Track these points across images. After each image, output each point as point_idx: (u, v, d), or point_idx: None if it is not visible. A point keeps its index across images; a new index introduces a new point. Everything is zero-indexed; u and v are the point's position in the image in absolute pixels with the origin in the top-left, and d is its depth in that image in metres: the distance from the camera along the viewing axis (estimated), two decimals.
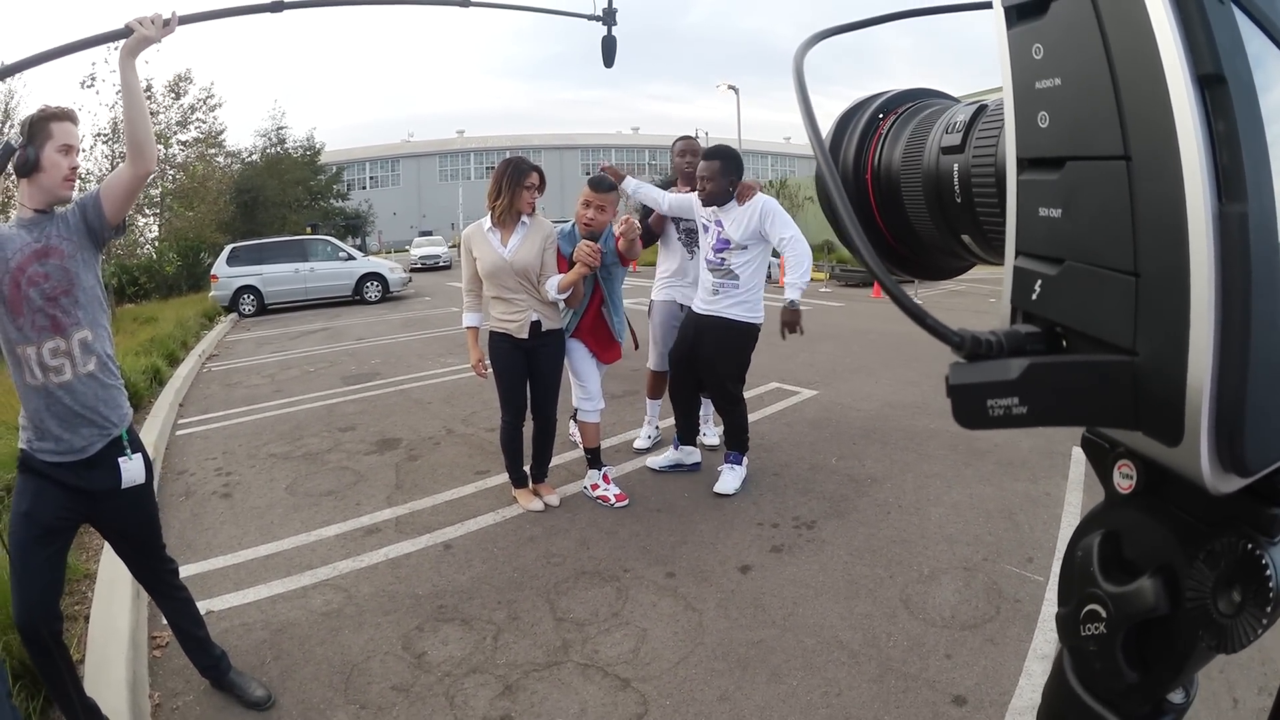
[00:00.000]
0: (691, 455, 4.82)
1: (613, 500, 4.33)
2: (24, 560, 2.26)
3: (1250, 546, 0.36)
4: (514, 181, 3.92)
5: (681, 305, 4.73)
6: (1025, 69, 0.37)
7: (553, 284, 3.99)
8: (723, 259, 4.22)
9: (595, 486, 4.43)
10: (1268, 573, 0.35)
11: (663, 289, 4.87)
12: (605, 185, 4.15)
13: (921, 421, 5.71)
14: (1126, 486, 0.42)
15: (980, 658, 2.78)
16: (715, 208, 4.19)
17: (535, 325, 4.03)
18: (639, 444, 5.28)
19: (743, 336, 4.30)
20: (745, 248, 4.16)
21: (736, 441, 4.50)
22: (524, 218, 3.99)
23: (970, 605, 3.14)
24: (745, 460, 4.57)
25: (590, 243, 3.98)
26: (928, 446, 5.14)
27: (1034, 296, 0.38)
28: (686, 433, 4.78)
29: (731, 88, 32.09)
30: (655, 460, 4.91)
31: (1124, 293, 0.33)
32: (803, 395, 6.68)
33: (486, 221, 4.01)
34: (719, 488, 4.42)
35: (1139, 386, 0.34)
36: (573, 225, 4.25)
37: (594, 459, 4.45)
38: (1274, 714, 0.47)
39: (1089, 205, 0.35)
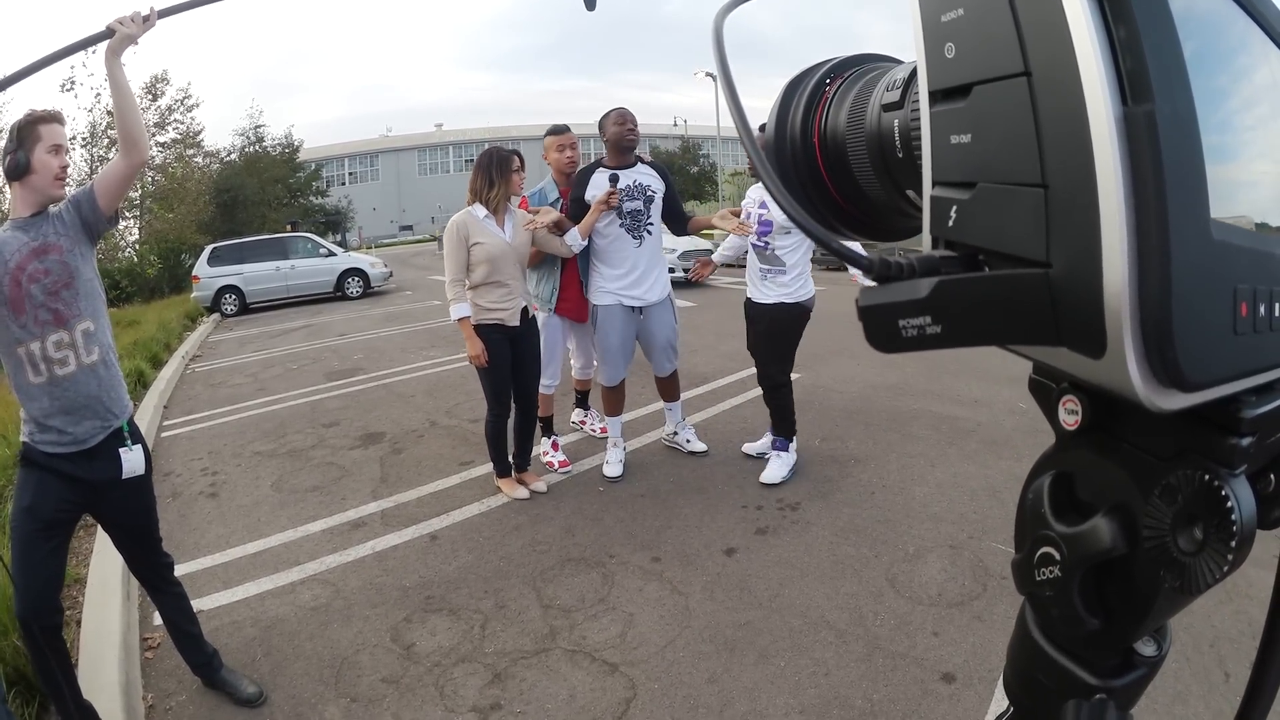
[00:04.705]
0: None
1: (557, 466, 4.69)
2: (26, 554, 2.27)
3: (1208, 478, 0.35)
4: (503, 169, 3.98)
5: (631, 307, 4.34)
6: (931, 4, 0.38)
7: (574, 234, 4.19)
8: (766, 243, 4.07)
9: (545, 453, 4.76)
10: (1229, 505, 0.34)
11: (606, 291, 4.34)
12: (564, 128, 4.60)
13: (904, 402, 5.73)
14: (1072, 423, 0.41)
15: (968, 635, 2.80)
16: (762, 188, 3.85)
17: (524, 311, 4.11)
18: (610, 472, 4.56)
19: (790, 318, 4.17)
20: (789, 231, 3.97)
21: (783, 426, 4.33)
22: (510, 203, 4.07)
23: (957, 583, 3.16)
24: (793, 446, 4.38)
25: (610, 188, 4.19)
26: (911, 427, 5.16)
27: (950, 223, 0.38)
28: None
29: (710, 75, 31.99)
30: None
31: (1033, 205, 0.33)
32: None
33: (480, 210, 3.97)
34: (765, 477, 4.27)
35: (1056, 298, 0.33)
36: (540, 188, 4.58)
37: (547, 427, 4.79)
38: (1251, 687, 0.47)
39: (996, 125, 0.35)
